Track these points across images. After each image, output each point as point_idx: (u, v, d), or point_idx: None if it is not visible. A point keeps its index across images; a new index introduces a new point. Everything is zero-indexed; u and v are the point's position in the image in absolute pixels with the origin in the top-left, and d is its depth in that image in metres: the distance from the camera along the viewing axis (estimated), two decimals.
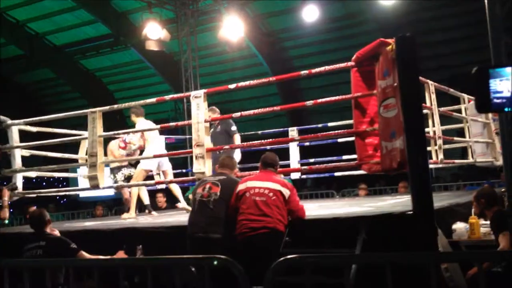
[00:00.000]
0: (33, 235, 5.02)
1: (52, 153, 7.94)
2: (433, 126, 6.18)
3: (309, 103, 5.68)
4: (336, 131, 5.92)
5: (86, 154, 7.08)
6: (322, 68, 5.54)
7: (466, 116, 7.55)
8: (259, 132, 9.72)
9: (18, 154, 7.15)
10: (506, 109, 2.79)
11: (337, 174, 8.24)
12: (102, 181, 6.39)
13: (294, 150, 8.85)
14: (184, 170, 10.40)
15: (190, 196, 5.55)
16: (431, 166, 6.27)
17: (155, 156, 6.98)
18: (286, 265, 2.79)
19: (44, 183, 17.74)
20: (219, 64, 17.49)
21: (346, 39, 15.79)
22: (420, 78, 5.05)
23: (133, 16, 16.10)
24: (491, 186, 7.32)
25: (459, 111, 7.74)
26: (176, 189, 7.59)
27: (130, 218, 7.29)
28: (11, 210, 7.27)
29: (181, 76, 14.33)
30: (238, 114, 6.13)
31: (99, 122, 6.38)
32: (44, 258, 4.59)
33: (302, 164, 8.76)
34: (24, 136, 7.42)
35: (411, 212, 4.20)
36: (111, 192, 14.54)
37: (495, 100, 2.77)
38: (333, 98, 5.66)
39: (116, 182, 7.80)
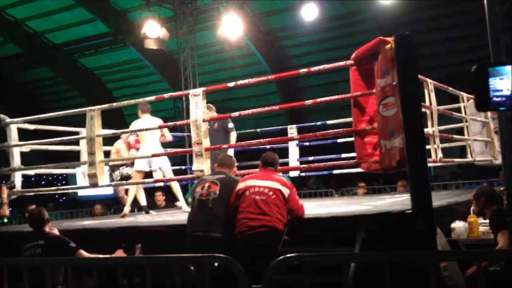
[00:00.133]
0: (32, 234, 5.02)
1: (53, 146, 7.88)
2: (432, 125, 6.18)
3: (308, 102, 5.68)
4: (335, 130, 5.92)
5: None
6: (321, 67, 5.54)
7: (466, 116, 7.55)
8: (258, 130, 9.71)
9: (17, 152, 7.14)
10: (500, 108, 2.78)
11: (336, 172, 8.24)
12: (102, 179, 6.39)
13: (293, 149, 8.85)
14: (183, 167, 10.40)
15: (190, 200, 5.55)
16: (430, 164, 6.27)
17: (153, 155, 6.98)
18: (285, 264, 2.79)
19: (43, 182, 17.74)
20: (218, 62, 17.48)
21: (345, 38, 15.79)
22: (419, 76, 5.05)
23: (132, 15, 16.09)
24: (490, 185, 7.32)
25: (458, 109, 7.74)
26: (176, 187, 7.55)
27: (125, 215, 7.30)
28: (10, 208, 7.25)
29: (180, 75, 14.31)
30: (236, 113, 6.13)
31: (98, 120, 6.37)
32: (43, 257, 4.59)
33: (301, 162, 8.76)
34: (23, 134, 7.41)
35: (410, 211, 4.21)
36: (110, 191, 14.56)
37: (495, 99, 2.77)
38: (332, 98, 5.66)
39: (113, 180, 7.81)
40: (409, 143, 4.21)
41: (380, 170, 4.90)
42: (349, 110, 5.21)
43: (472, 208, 5.26)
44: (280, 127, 9.61)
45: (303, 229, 4.64)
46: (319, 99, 5.63)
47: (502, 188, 5.22)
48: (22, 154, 7.22)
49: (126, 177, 7.73)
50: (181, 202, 7.47)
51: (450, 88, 7.26)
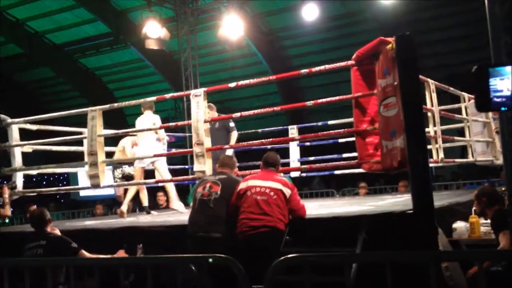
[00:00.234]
0: (33, 234, 5.02)
1: (55, 146, 7.89)
2: (434, 125, 6.18)
3: (310, 103, 5.68)
4: (336, 130, 5.92)
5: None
6: (322, 67, 5.55)
7: (466, 117, 7.54)
8: (259, 130, 9.72)
9: (18, 153, 7.15)
10: (502, 109, 2.77)
11: (337, 172, 8.24)
12: (103, 179, 6.39)
13: (294, 149, 8.85)
14: (186, 166, 10.39)
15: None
16: (431, 165, 6.26)
17: (154, 156, 6.99)
18: (287, 264, 2.79)
19: (44, 182, 17.75)
20: (219, 62, 17.48)
21: (346, 38, 15.79)
22: (420, 76, 5.05)
23: (133, 15, 16.09)
24: (491, 185, 7.32)
25: (459, 110, 7.74)
26: (170, 188, 7.46)
27: (123, 214, 7.31)
28: (12, 209, 7.26)
29: (181, 75, 14.31)
30: (238, 114, 6.14)
31: (99, 121, 6.38)
32: (44, 257, 4.59)
33: (302, 163, 8.76)
34: (25, 135, 7.41)
35: (412, 211, 4.20)
36: (111, 191, 14.53)
37: (495, 99, 2.76)
38: (333, 98, 5.66)
39: (114, 177, 7.82)
40: (410, 144, 4.21)
41: (381, 171, 4.90)
42: (350, 111, 5.22)
43: (473, 208, 5.25)
44: (281, 127, 9.61)
45: (304, 229, 4.64)
46: (320, 100, 5.63)
47: (503, 189, 5.21)
48: (24, 155, 7.23)
49: (128, 176, 7.73)
50: (175, 203, 7.40)
51: (451, 88, 7.26)
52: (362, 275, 3.77)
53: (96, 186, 6.40)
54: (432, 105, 6.19)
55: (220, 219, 4.68)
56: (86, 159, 6.59)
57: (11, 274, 3.23)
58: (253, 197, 4.59)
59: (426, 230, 4.05)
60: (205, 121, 5.85)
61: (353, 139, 5.42)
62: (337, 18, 15.66)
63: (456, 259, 4.08)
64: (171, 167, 9.35)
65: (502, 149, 4.21)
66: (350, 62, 5.16)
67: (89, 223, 7.23)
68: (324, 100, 5.65)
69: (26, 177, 7.51)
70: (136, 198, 7.91)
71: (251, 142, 6.53)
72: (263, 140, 6.22)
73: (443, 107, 7.09)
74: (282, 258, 2.78)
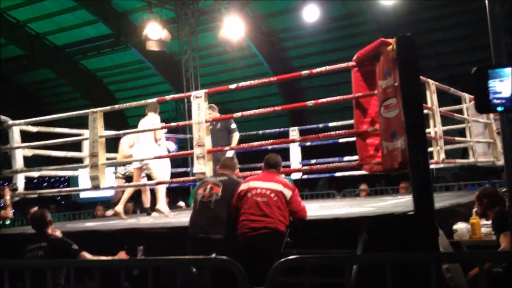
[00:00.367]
0: (34, 236, 5.02)
1: (54, 151, 7.93)
2: (434, 126, 6.18)
3: (310, 103, 5.68)
4: (337, 132, 5.93)
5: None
6: (323, 68, 5.55)
7: (467, 117, 7.54)
8: (260, 132, 9.72)
9: (19, 155, 7.15)
10: (498, 108, 2.76)
11: (338, 174, 8.24)
12: (103, 181, 6.39)
13: (295, 151, 8.85)
14: (188, 169, 10.39)
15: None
16: (432, 166, 6.26)
17: (155, 157, 6.98)
18: (287, 266, 2.79)
19: (45, 184, 17.76)
20: (219, 64, 17.48)
21: (347, 39, 15.78)
22: (421, 77, 5.04)
23: (134, 16, 16.10)
24: (492, 186, 7.32)
25: (460, 110, 7.73)
26: (160, 190, 7.33)
27: (118, 213, 7.31)
28: (13, 210, 7.26)
29: (181, 76, 14.31)
30: (239, 114, 6.14)
31: (100, 122, 6.38)
32: (45, 259, 4.59)
33: (303, 165, 8.76)
34: (26, 136, 7.42)
35: (412, 213, 4.20)
36: (111, 193, 14.53)
37: (495, 101, 2.76)
38: (334, 98, 5.67)
39: (115, 173, 7.83)
40: (411, 145, 4.20)
41: (382, 172, 4.90)
42: (351, 112, 5.21)
43: (474, 209, 5.25)
44: (282, 129, 9.61)
45: (305, 230, 4.64)
46: (320, 100, 5.63)
47: (504, 190, 5.21)
48: (24, 156, 7.23)
49: (130, 177, 7.74)
50: (162, 206, 7.29)
51: (452, 89, 7.25)
52: (362, 276, 3.77)
53: (96, 187, 6.41)
54: (432, 106, 6.18)
55: (220, 220, 4.68)
56: (87, 161, 6.60)
57: (11, 275, 3.23)
58: (254, 198, 4.59)
59: (427, 231, 4.05)
60: (206, 121, 5.85)
61: (354, 140, 5.41)
62: (338, 19, 15.66)
63: (457, 260, 4.07)
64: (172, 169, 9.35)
65: (503, 150, 4.21)
66: (350, 63, 5.16)
67: (90, 224, 7.23)
68: (324, 100, 5.65)
69: (27, 178, 7.51)
70: (138, 199, 7.91)
71: (251, 143, 6.53)
72: (263, 142, 6.22)
73: (444, 108, 7.08)
74: (283, 259, 2.78)
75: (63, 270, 4.49)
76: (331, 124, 8.62)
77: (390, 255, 2.78)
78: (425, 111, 5.86)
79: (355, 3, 14.88)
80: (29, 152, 7.34)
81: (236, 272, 2.72)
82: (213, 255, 2.85)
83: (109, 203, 10.72)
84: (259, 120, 15.47)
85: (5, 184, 7.37)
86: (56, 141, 7.15)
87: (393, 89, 4.52)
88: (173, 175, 7.67)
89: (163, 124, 7.37)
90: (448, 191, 10.36)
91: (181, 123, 8.06)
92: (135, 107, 7.35)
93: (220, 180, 4.92)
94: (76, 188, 10.71)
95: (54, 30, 17.43)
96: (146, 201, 7.82)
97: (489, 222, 5.06)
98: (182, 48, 14.44)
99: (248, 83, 6.07)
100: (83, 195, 18.04)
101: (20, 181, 7.19)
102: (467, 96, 7.61)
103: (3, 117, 7.20)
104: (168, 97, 7.22)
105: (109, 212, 8.96)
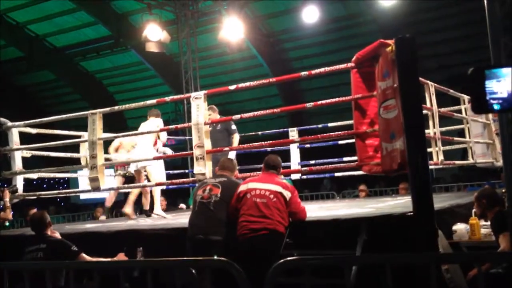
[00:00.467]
0: (33, 237, 5.02)
1: (53, 153, 7.93)
2: (433, 127, 6.18)
3: (309, 105, 5.67)
4: (337, 133, 5.91)
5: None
6: (322, 69, 5.54)
7: (466, 117, 7.54)
8: (259, 133, 9.72)
9: (18, 156, 7.15)
10: (495, 107, 2.75)
11: (337, 175, 8.24)
12: (103, 182, 6.39)
13: (294, 151, 8.86)
14: (187, 171, 10.39)
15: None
16: (431, 167, 6.27)
17: (154, 158, 6.99)
18: (287, 267, 2.79)
19: (44, 185, 17.75)
20: (219, 65, 17.49)
21: (346, 40, 15.80)
22: (420, 79, 5.04)
23: (133, 18, 16.11)
24: (492, 186, 7.32)
25: (460, 111, 7.73)
26: (156, 194, 7.36)
27: (127, 214, 7.35)
28: (12, 212, 7.26)
29: (181, 78, 14.31)
30: (238, 116, 6.13)
31: (99, 124, 6.37)
32: (44, 260, 4.59)
33: (303, 166, 8.76)
34: (25, 138, 7.41)
35: (412, 213, 4.20)
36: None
37: (491, 101, 2.75)
38: (333, 100, 5.66)
39: (115, 171, 7.84)
40: (410, 146, 4.20)
41: (381, 173, 4.90)
42: (350, 113, 5.21)
43: (474, 210, 5.25)
44: (282, 129, 9.61)
45: (304, 231, 4.64)
46: (320, 102, 5.63)
47: (503, 190, 5.22)
48: (23, 158, 7.23)
49: (130, 177, 7.74)
50: (157, 210, 7.34)
51: (451, 91, 7.25)
52: (362, 277, 3.77)
53: (96, 189, 6.40)
54: (431, 107, 6.19)
55: (220, 221, 4.68)
56: (87, 162, 6.59)
57: (11, 277, 3.23)
58: (253, 199, 4.59)
59: (426, 232, 4.04)
60: (205, 123, 5.85)
61: (353, 141, 5.41)
62: (338, 20, 15.67)
63: (456, 261, 4.07)
64: (171, 172, 9.36)
65: (502, 151, 4.22)
66: (350, 65, 5.16)
67: (89, 226, 7.22)
68: (324, 101, 5.64)
69: (26, 180, 7.51)
70: (137, 201, 7.91)
71: (251, 144, 6.53)
72: (263, 143, 6.21)
73: (443, 109, 7.08)
74: (282, 260, 2.78)
75: (63, 271, 4.49)
76: (330, 125, 8.63)
77: (389, 256, 2.78)
78: (424, 112, 5.86)
79: (355, 4, 14.90)
80: (28, 154, 7.34)
81: (235, 273, 2.72)
82: (215, 257, 2.84)
83: None
84: (259, 121, 15.47)
85: (5, 186, 7.36)
86: (56, 143, 7.15)
87: (392, 90, 4.52)
88: (173, 177, 7.66)
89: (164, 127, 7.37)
90: (447, 192, 10.37)
91: (180, 125, 8.05)
92: (134, 108, 7.33)
93: (219, 181, 4.92)
94: (76, 189, 10.74)
95: (54, 31, 17.45)
96: (146, 203, 7.82)
97: (489, 222, 5.06)
98: (182, 49, 14.45)
99: (247, 84, 6.07)
100: (82, 196, 18.07)
101: (19, 182, 7.19)
102: (465, 97, 7.61)
103: (2, 119, 7.20)
104: (167, 99, 7.21)
105: (102, 217, 8.97)
